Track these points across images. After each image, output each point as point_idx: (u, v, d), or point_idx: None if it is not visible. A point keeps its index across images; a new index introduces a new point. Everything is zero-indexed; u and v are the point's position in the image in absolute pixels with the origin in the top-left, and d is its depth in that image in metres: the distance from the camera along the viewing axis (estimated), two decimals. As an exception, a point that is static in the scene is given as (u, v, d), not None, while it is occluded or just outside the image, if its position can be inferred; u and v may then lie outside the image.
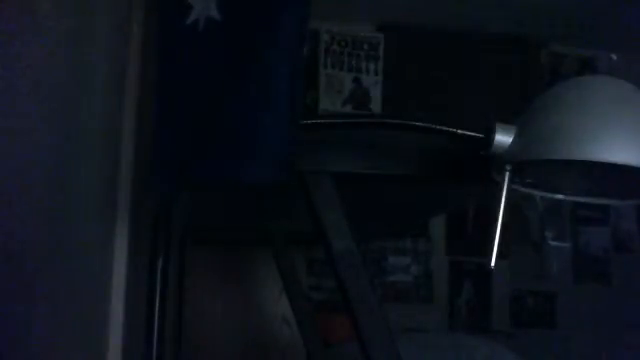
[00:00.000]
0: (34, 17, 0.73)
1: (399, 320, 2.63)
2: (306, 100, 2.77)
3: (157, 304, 1.15)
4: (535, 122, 0.77)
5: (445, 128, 0.83)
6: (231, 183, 0.92)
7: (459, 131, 0.82)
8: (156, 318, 1.14)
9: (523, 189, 0.85)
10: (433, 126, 0.83)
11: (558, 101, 0.77)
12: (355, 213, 0.87)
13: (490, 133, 0.78)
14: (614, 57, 3.12)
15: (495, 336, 2.78)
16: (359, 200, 0.98)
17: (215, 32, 0.91)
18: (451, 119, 0.83)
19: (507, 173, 0.78)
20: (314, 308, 2.48)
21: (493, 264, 0.77)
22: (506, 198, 0.77)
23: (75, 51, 0.92)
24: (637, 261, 3.04)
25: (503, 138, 0.78)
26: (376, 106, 2.89)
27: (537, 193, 0.88)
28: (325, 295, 2.73)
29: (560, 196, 0.88)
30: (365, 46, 2.92)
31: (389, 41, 2.93)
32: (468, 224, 2.96)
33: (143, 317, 1.20)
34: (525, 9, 2.67)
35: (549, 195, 0.88)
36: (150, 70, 1.21)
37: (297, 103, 0.82)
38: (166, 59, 1.02)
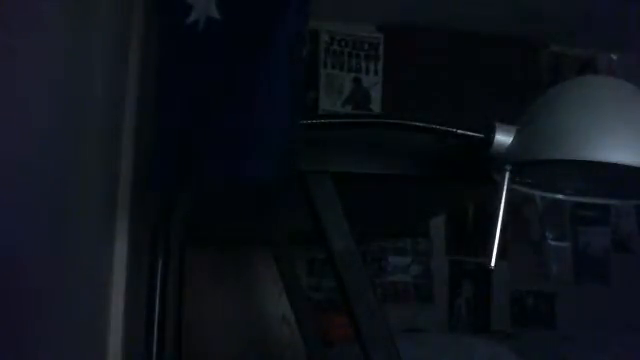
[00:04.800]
0: (34, 17, 0.73)
1: (399, 320, 2.63)
2: (306, 100, 2.77)
3: (157, 304, 1.15)
4: (535, 122, 0.77)
5: (445, 128, 0.83)
6: (232, 182, 0.92)
7: (459, 131, 0.82)
8: (156, 318, 1.14)
9: (523, 189, 0.85)
10: (433, 126, 0.83)
11: (558, 101, 0.77)
12: (355, 213, 0.87)
13: (490, 133, 0.78)
14: (614, 57, 3.12)
15: (495, 336, 2.78)
16: (359, 200, 0.98)
17: (215, 32, 0.91)
18: (451, 119, 0.83)
19: (507, 173, 0.78)
20: (314, 308, 2.48)
21: (493, 264, 0.77)
22: (506, 198, 0.77)
23: (75, 51, 0.92)
24: (637, 261, 3.04)
25: (503, 138, 0.78)
26: (376, 106, 2.89)
27: (537, 193, 0.88)
28: (325, 295, 2.73)
29: (560, 196, 0.88)
30: (365, 46, 2.92)
31: (389, 41, 2.93)
32: (468, 224, 2.96)
33: (143, 317, 1.20)
34: (525, 9, 2.67)
35: (549, 195, 0.88)
36: (150, 70, 1.21)
37: (297, 103, 0.82)
38: (166, 59, 1.02)
